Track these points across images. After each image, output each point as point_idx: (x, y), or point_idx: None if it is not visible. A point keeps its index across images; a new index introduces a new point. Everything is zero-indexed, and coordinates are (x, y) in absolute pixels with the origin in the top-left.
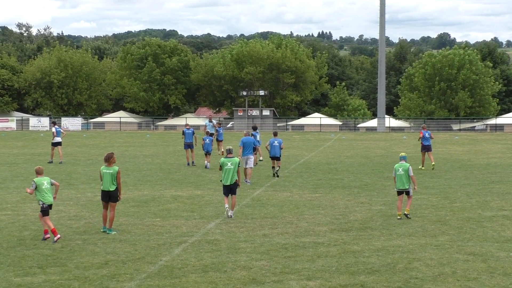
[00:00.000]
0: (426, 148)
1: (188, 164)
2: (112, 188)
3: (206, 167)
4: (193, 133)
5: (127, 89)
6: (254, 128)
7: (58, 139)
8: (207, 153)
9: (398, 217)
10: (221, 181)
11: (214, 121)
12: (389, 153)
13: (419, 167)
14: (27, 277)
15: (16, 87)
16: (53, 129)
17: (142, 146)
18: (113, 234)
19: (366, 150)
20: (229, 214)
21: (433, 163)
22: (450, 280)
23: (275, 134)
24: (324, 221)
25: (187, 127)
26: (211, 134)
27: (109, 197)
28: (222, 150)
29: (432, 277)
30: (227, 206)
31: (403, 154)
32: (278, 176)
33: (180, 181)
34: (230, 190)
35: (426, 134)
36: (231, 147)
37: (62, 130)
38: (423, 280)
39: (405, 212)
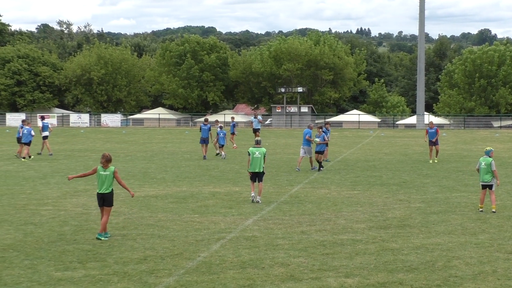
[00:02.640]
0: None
1: (205, 157)
2: (108, 190)
3: (223, 157)
4: (209, 129)
5: (166, 86)
6: (323, 125)
7: (46, 133)
8: (221, 146)
9: (480, 209)
10: (248, 170)
11: (260, 117)
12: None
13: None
14: (67, 271)
15: (56, 83)
16: (41, 124)
17: (180, 142)
18: (104, 239)
19: (405, 147)
20: (257, 199)
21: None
22: (491, 279)
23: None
24: (362, 218)
25: (205, 123)
26: (257, 130)
27: (103, 201)
28: (217, 152)
29: (472, 276)
30: (253, 193)
31: (488, 148)
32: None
33: (218, 177)
34: (257, 177)
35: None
36: (259, 139)
37: (49, 125)
38: (463, 279)
39: (492, 210)
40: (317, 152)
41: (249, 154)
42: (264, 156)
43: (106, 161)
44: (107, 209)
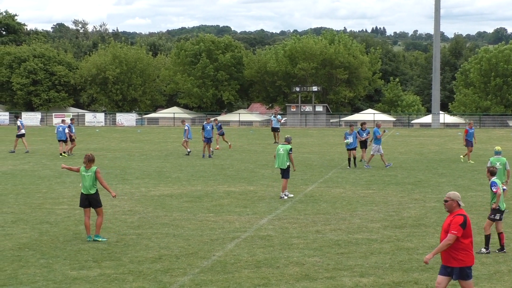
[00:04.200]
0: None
1: (203, 156)
2: (93, 191)
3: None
4: (212, 128)
5: (180, 85)
6: (363, 124)
7: (23, 131)
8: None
9: None
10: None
11: (279, 117)
12: (444, 149)
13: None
14: (82, 270)
15: (72, 83)
16: (18, 122)
17: (195, 142)
18: (102, 241)
19: (420, 147)
20: (285, 195)
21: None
22: (506, 278)
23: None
24: (377, 217)
25: (208, 121)
26: (276, 129)
27: (89, 202)
28: (214, 148)
29: (487, 275)
30: (286, 192)
31: (498, 148)
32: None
33: (233, 176)
34: (282, 173)
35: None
36: (289, 136)
37: (24, 124)
38: (479, 278)
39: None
40: (350, 149)
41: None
42: (289, 153)
43: (89, 161)
44: (98, 210)
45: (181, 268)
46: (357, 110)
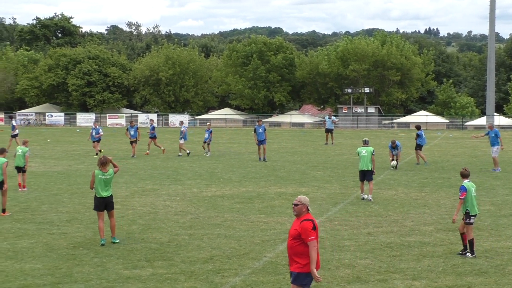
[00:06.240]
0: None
1: (260, 159)
2: (110, 193)
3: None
4: (265, 129)
5: (232, 86)
6: (418, 127)
7: (17, 132)
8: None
9: None
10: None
11: (334, 118)
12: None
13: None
14: (135, 270)
15: (125, 84)
16: (14, 123)
17: (247, 143)
18: (118, 242)
19: (474, 149)
20: (368, 198)
21: None
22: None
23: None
24: (430, 220)
25: (259, 123)
26: (330, 130)
27: (106, 205)
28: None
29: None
30: (363, 194)
31: None
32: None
33: (284, 178)
34: (364, 176)
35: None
36: (367, 139)
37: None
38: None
39: None
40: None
41: (358, 154)
42: (372, 155)
43: (102, 164)
44: (112, 212)
45: (233, 268)
46: (410, 112)
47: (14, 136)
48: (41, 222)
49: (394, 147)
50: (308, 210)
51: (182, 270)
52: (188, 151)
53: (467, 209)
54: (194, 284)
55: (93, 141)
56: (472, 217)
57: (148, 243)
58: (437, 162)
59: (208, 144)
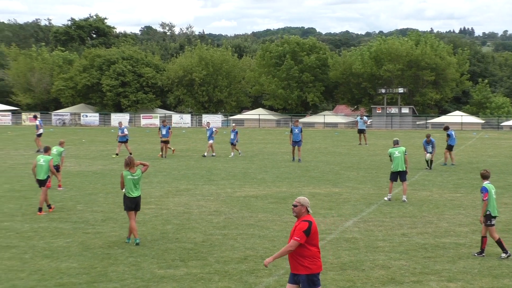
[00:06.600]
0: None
1: (294, 159)
2: (136, 194)
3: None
4: (301, 130)
5: (265, 87)
6: (446, 128)
7: (41, 131)
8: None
9: None
10: (391, 170)
11: (366, 118)
12: None
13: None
14: (169, 269)
15: (159, 84)
16: (37, 122)
17: (280, 143)
18: (138, 242)
19: (510, 150)
20: (403, 199)
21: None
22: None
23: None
24: (465, 221)
25: (296, 124)
26: (362, 131)
27: (136, 205)
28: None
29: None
30: (389, 195)
31: None
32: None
33: (317, 178)
34: (398, 176)
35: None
36: (397, 139)
37: (41, 124)
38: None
39: None
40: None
41: (390, 155)
42: (405, 155)
43: (127, 164)
44: (138, 213)
45: (267, 269)
46: (444, 112)
47: (39, 135)
48: (76, 221)
49: (428, 141)
50: (308, 211)
51: (216, 270)
52: (212, 154)
53: (488, 211)
54: (228, 284)
55: (120, 142)
56: (493, 219)
57: (182, 243)
58: (472, 163)
59: (234, 145)
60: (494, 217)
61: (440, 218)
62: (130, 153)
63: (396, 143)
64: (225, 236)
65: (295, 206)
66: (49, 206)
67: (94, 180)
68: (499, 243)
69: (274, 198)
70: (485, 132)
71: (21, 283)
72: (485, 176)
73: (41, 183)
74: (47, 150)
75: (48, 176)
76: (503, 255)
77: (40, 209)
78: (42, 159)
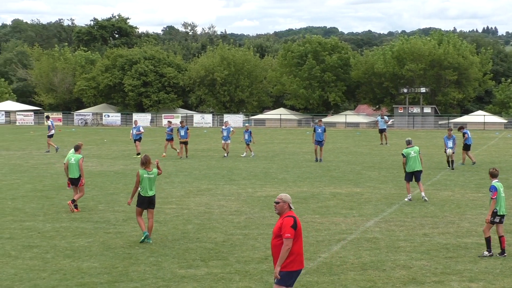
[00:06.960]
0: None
1: (316, 160)
2: (152, 193)
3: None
4: (324, 130)
5: (287, 86)
6: (461, 128)
7: (53, 132)
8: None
9: None
10: (405, 170)
11: (386, 118)
12: None
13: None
14: (190, 269)
15: (181, 84)
16: (49, 123)
17: (301, 143)
18: (148, 241)
19: None
20: (423, 197)
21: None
22: None
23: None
24: None
25: (319, 123)
26: (383, 130)
27: (150, 203)
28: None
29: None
30: (410, 195)
31: None
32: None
33: (339, 178)
34: (414, 176)
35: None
36: (410, 138)
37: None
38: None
39: None
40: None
41: (404, 156)
42: (419, 153)
43: (143, 163)
44: (151, 211)
45: None
46: (467, 111)
47: (50, 136)
48: (98, 221)
49: (449, 136)
50: (290, 207)
51: (236, 269)
52: (224, 154)
53: (495, 209)
54: (249, 284)
55: (135, 140)
56: (497, 217)
57: (203, 243)
58: (494, 163)
59: (248, 145)
60: (501, 215)
61: (462, 218)
62: (138, 153)
63: (409, 143)
64: (246, 236)
65: (277, 203)
66: (75, 206)
67: (116, 180)
68: (487, 240)
69: (295, 198)
70: (508, 132)
71: (42, 283)
72: (494, 175)
73: (74, 181)
74: (77, 148)
75: (80, 175)
76: (486, 253)
77: (76, 206)
78: (73, 158)
